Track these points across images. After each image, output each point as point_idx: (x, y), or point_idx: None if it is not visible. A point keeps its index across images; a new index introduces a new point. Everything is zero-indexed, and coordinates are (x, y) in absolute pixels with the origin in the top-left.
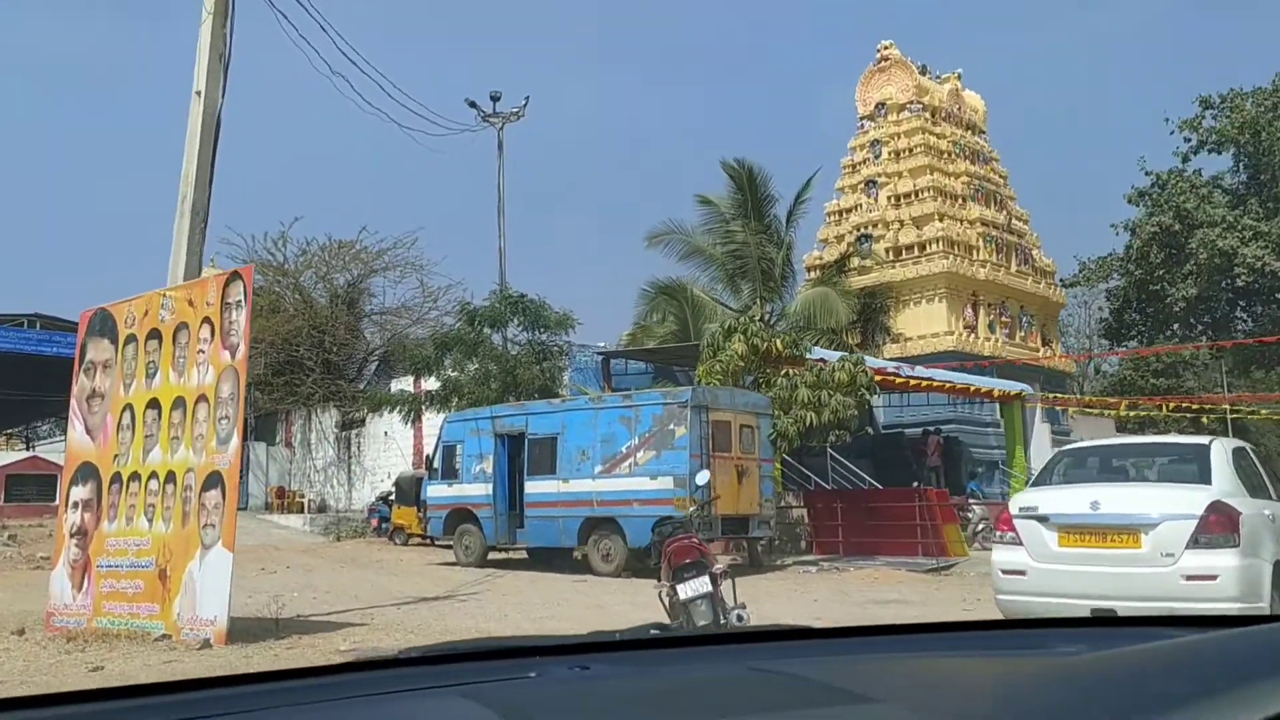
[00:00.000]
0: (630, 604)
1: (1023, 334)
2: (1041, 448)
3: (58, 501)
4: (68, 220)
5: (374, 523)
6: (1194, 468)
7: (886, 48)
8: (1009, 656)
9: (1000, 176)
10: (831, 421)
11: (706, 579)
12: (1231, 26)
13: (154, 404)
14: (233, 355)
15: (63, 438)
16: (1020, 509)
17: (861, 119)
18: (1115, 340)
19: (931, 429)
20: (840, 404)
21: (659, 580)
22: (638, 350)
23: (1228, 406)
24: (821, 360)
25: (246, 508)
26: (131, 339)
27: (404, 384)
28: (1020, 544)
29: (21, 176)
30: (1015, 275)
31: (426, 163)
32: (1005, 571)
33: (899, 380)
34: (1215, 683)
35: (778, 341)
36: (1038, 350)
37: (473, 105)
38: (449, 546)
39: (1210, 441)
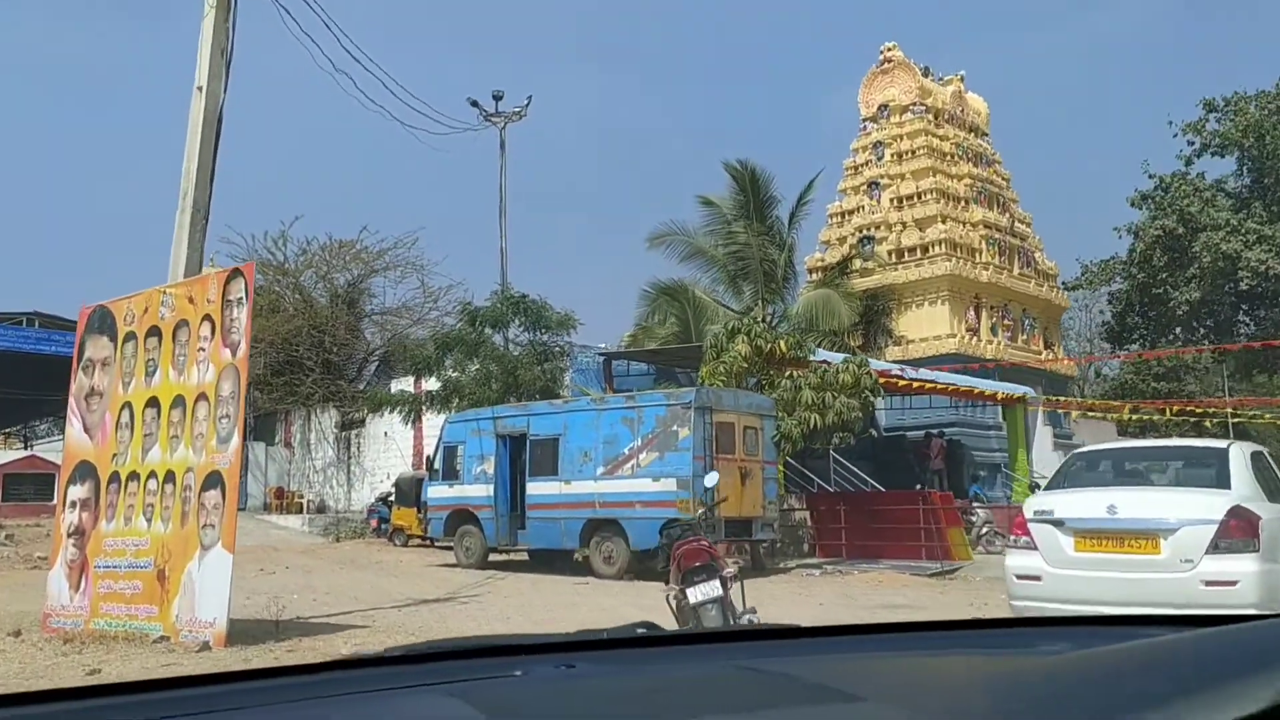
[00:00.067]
0: (633, 606)
1: (1025, 337)
2: (1043, 451)
3: (55, 501)
4: (68, 219)
5: (373, 524)
6: (1212, 472)
7: (890, 49)
8: (993, 655)
9: (1003, 179)
10: (836, 423)
11: (717, 583)
12: (1232, 27)
13: (153, 402)
14: (233, 353)
15: (61, 437)
16: (1035, 513)
17: (864, 120)
18: (1117, 343)
19: (934, 431)
20: (845, 406)
21: (667, 583)
22: (640, 351)
23: (1230, 410)
24: (825, 362)
25: (245, 508)
26: (131, 336)
27: (404, 384)
28: (1035, 548)
29: (21, 176)
30: (1018, 278)
31: (428, 162)
32: (1020, 577)
33: (901, 382)
34: (1190, 682)
35: (781, 343)
36: (1040, 353)
37: (475, 105)
38: (448, 548)
39: (1229, 445)
